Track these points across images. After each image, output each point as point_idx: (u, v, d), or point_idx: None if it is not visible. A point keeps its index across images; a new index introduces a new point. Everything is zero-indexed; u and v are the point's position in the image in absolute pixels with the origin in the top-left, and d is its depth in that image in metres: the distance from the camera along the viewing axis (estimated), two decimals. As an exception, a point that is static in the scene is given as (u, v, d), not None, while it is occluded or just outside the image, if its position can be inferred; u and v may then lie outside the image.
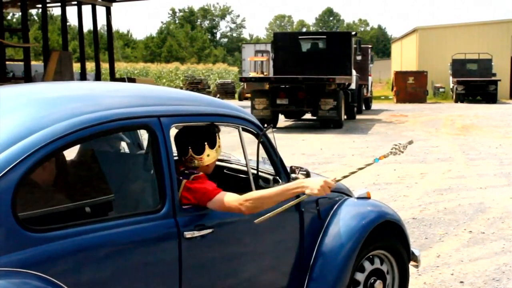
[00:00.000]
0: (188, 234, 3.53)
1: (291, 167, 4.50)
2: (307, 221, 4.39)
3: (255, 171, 4.31)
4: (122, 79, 29.53)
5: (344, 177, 3.88)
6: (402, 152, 3.99)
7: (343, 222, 4.52)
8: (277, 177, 4.33)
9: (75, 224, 3.15)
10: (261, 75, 33.43)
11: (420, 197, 9.97)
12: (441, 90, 45.91)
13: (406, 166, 13.06)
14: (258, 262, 4.13)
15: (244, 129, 4.13)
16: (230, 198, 3.64)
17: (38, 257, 2.93)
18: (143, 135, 4.01)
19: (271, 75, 26.70)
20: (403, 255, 4.97)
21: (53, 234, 3.02)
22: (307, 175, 4.39)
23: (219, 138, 4.01)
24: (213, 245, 3.72)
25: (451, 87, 43.59)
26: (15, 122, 3.13)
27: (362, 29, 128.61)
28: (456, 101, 41.34)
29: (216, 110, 4.01)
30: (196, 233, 3.58)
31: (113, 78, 30.12)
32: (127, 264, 3.30)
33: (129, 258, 3.32)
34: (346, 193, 5.04)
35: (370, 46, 36.82)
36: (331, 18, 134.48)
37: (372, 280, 4.68)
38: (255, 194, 3.68)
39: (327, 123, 22.43)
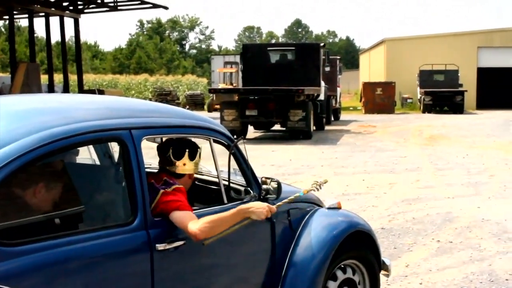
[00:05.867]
0: (160, 247, 3.53)
1: (262, 178, 4.50)
2: (278, 231, 4.42)
3: (226, 183, 4.29)
4: (91, 91, 29.38)
5: (279, 205, 4.08)
6: (320, 188, 4.34)
7: (314, 232, 4.57)
8: (248, 188, 4.35)
9: (47, 237, 3.14)
10: (230, 87, 33.39)
11: (388, 207, 10.03)
12: (409, 100, 46.22)
13: (375, 176, 13.13)
14: (230, 273, 4.15)
15: (215, 141, 4.15)
16: (193, 221, 3.63)
17: (10, 271, 2.92)
18: (114, 147, 4.00)
19: (240, 86, 26.64)
20: (374, 264, 5.02)
21: (25, 248, 3.01)
22: (278, 185, 4.38)
23: (199, 157, 4.05)
24: (186, 257, 3.72)
25: (418, 97, 43.91)
26: None
27: (331, 40, 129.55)
28: (423, 112, 41.63)
29: (187, 122, 4.03)
30: (168, 245, 3.57)
31: (81, 89, 29.94)
32: (99, 277, 3.29)
33: (101, 271, 3.31)
34: (317, 203, 5.07)
35: (338, 57, 37.06)
36: (299, 30, 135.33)
37: None
38: (211, 218, 3.68)
39: (296, 134, 22.48)
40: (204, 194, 4.46)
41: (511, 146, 19.30)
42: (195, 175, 4.44)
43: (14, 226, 3.14)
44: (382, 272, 5.20)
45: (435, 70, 44.11)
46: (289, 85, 22.18)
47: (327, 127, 27.55)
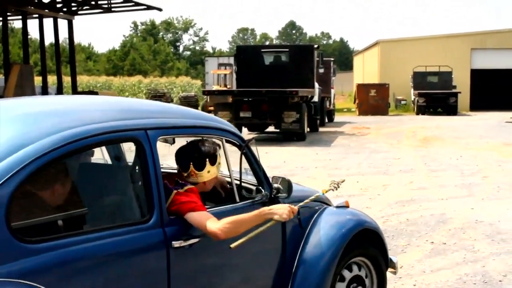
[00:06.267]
0: (176, 244, 3.62)
1: (272, 177, 4.59)
2: (288, 230, 4.49)
3: (237, 182, 4.39)
4: (85, 93, 29.32)
5: (301, 206, 4.26)
6: (338, 188, 4.51)
7: (323, 231, 4.68)
8: (260, 187, 4.44)
9: (66, 235, 3.23)
10: (224, 88, 33.36)
11: (382, 209, 10.04)
12: (402, 102, 46.32)
13: (368, 178, 13.15)
14: (243, 271, 4.24)
15: (227, 141, 4.25)
16: (211, 220, 3.71)
17: (31, 267, 3.00)
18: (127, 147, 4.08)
19: (234, 88, 26.66)
20: (381, 262, 5.13)
21: (46, 245, 3.09)
22: (289, 184, 4.49)
23: (219, 155, 4.12)
24: (200, 254, 3.82)
25: (412, 99, 44.00)
26: (4, 137, 3.19)
27: (325, 42, 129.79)
28: (417, 113, 41.72)
29: (200, 123, 4.14)
30: (184, 243, 3.66)
31: (75, 91, 29.87)
32: (117, 273, 3.38)
33: (120, 268, 3.40)
34: (325, 202, 5.18)
35: (332, 59, 37.06)
36: (293, 31, 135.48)
37: (353, 287, 4.85)
38: (232, 218, 3.76)
39: (290, 136, 22.49)
40: (216, 194, 4.49)
41: (505, 148, 19.34)
42: None
43: (35, 224, 3.22)
44: (390, 270, 5.33)
45: (428, 71, 44.20)
46: (283, 87, 22.18)
47: (321, 129, 27.57)
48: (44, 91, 27.83)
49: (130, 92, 61.14)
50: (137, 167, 3.81)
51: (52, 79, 38.51)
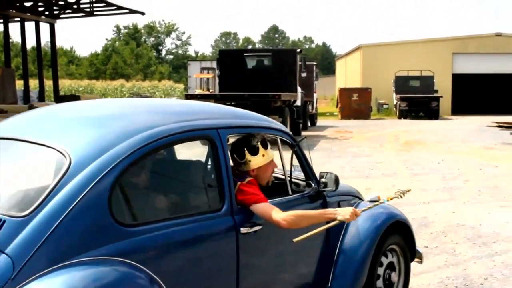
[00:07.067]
0: (243, 230, 4.09)
1: (320, 172, 5.09)
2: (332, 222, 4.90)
3: (288, 177, 4.86)
4: (67, 97, 29.16)
5: (364, 210, 4.68)
6: (403, 196, 4.96)
7: (360, 223, 5.17)
8: (309, 182, 5.04)
9: (157, 220, 3.71)
10: (207, 92, 33.31)
11: (365, 212, 10.04)
12: (385, 106, 46.44)
13: (351, 182, 13.06)
14: (295, 257, 4.70)
15: (281, 140, 4.85)
16: (275, 211, 4.16)
17: (128, 248, 3.46)
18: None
19: (217, 92, 26.65)
20: (407, 252, 5.66)
21: (140, 229, 3.57)
22: (336, 178, 4.99)
23: (265, 149, 4.56)
24: (263, 240, 4.29)
25: (394, 103, 44.12)
26: (100, 135, 3.69)
27: (307, 46, 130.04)
28: (399, 117, 41.84)
29: (261, 123, 4.72)
30: (250, 229, 4.13)
31: (57, 95, 29.72)
32: (195, 255, 3.83)
33: (197, 250, 3.84)
34: (358, 197, 5.81)
35: (315, 63, 37.15)
36: (276, 35, 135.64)
37: (388, 273, 5.38)
38: (297, 212, 4.27)
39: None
40: (268, 187, 4.77)
41: (486, 152, 19.47)
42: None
43: (131, 211, 3.70)
44: (416, 259, 5.84)
45: (410, 76, 44.43)
46: (265, 91, 22.20)
47: (303, 133, 27.56)
48: (26, 95, 27.69)
49: (112, 96, 60.77)
50: (209, 162, 4.28)
51: (34, 83, 38.34)
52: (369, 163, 16.69)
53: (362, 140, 24.39)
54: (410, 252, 5.70)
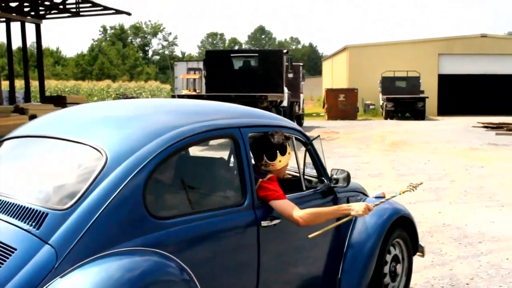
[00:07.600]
0: (264, 223, 4.33)
1: (332, 169, 5.38)
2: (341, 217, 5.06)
3: (300, 174, 5.08)
4: (53, 97, 29.00)
5: (376, 205, 4.99)
6: (415, 190, 5.25)
7: (367, 218, 5.38)
8: (322, 178, 5.29)
9: (185, 213, 3.96)
10: (194, 93, 33.24)
11: (351, 213, 10.05)
12: (371, 107, 46.55)
13: (337, 182, 13.16)
14: (309, 249, 4.94)
15: (296, 138, 5.09)
16: (294, 209, 4.41)
17: (160, 239, 3.67)
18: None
19: (204, 92, 26.61)
20: (410, 246, 5.94)
21: (172, 221, 3.79)
22: (348, 175, 5.28)
23: (289, 146, 4.79)
24: (281, 233, 4.51)
25: (381, 104, 44.25)
26: (133, 133, 3.92)
27: (294, 47, 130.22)
28: (385, 118, 41.94)
29: (278, 123, 4.97)
30: (270, 223, 4.37)
31: (43, 96, 29.56)
32: (221, 245, 4.06)
33: (222, 240, 4.08)
34: (364, 193, 6.07)
35: (301, 64, 37.20)
36: (263, 36, 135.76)
37: (393, 265, 5.66)
38: (313, 210, 4.50)
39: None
40: (283, 184, 4.91)
41: (471, 152, 19.55)
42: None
43: (164, 204, 4.04)
44: (418, 253, 6.17)
45: (397, 76, 44.55)
46: (252, 91, 22.20)
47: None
48: (12, 95, 27.52)
49: (98, 97, 60.54)
50: (232, 159, 4.52)
51: (19, 83, 38.09)
52: (356, 163, 16.71)
53: (348, 140, 24.41)
54: (413, 246, 6.00)
